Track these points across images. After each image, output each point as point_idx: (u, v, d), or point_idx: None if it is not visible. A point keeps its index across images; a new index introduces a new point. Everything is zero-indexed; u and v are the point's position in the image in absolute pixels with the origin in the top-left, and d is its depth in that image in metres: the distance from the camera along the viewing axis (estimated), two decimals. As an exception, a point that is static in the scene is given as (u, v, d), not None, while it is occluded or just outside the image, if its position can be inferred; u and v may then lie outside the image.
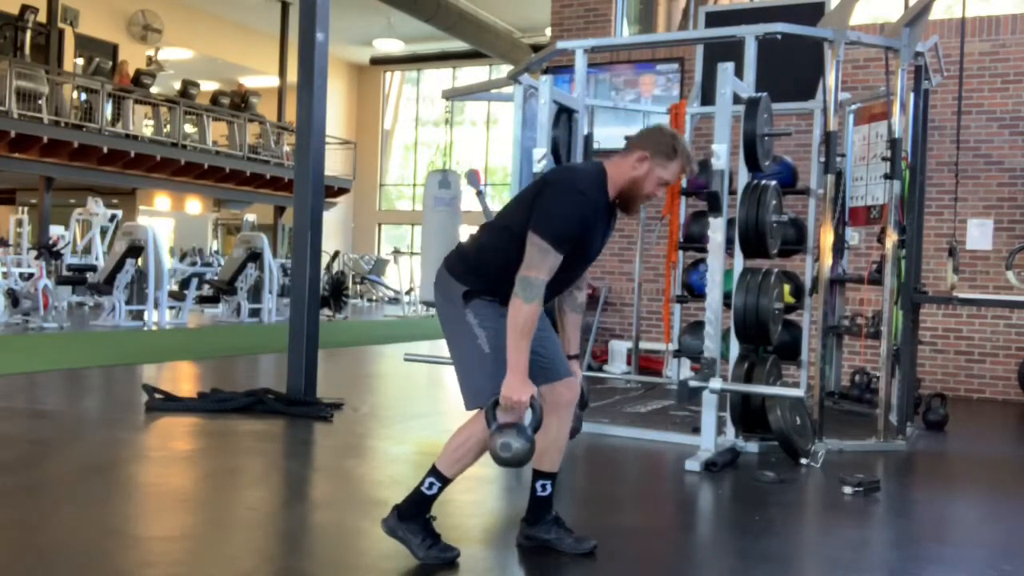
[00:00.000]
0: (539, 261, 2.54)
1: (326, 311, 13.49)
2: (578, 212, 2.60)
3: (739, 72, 4.58)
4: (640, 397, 6.43)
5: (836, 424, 5.34)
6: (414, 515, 2.73)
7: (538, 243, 2.54)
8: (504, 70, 16.59)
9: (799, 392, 4.38)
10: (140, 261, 11.20)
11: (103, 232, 15.00)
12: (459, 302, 2.68)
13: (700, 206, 5.80)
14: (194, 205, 21.06)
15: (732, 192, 4.75)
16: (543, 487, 2.88)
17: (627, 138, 2.78)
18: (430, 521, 2.75)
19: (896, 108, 4.94)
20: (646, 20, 9.36)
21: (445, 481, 2.72)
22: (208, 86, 19.76)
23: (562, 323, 2.99)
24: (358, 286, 20.07)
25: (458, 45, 20.83)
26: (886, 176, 4.99)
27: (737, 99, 4.58)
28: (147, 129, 16.43)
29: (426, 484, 2.72)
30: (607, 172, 2.71)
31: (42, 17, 16.05)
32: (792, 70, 5.76)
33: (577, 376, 2.93)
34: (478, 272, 2.69)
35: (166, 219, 20.31)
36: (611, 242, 8.57)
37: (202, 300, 13.18)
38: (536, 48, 17.97)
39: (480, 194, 7.01)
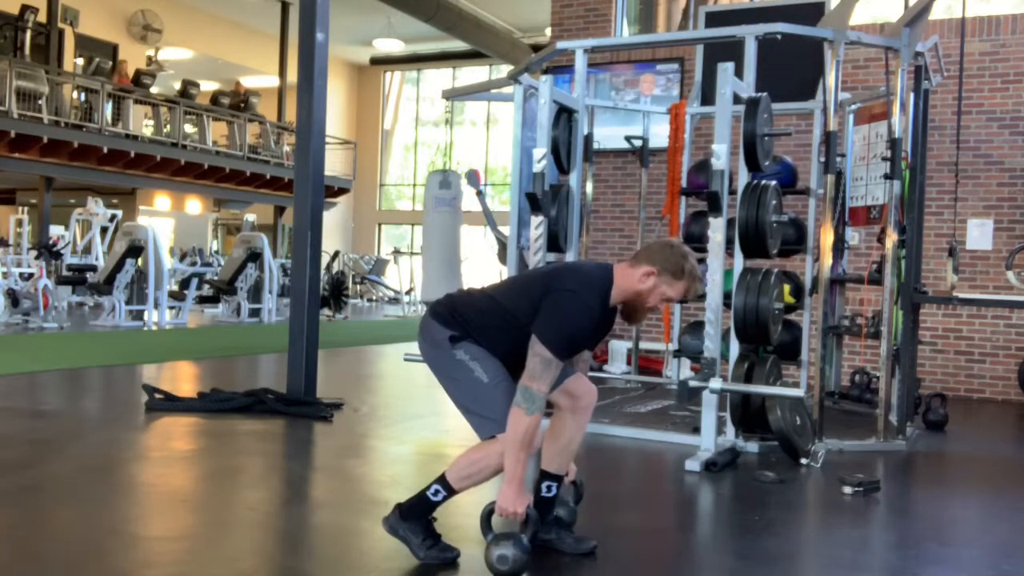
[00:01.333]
0: (542, 373, 2.54)
1: (326, 311, 13.49)
2: (585, 323, 2.63)
3: (739, 72, 4.59)
4: (640, 397, 6.43)
5: (836, 424, 5.34)
6: (416, 516, 2.73)
7: (542, 354, 2.54)
8: (504, 70, 16.59)
9: (799, 392, 4.38)
10: (140, 261, 11.20)
11: (103, 232, 15.00)
12: (446, 345, 2.68)
13: (700, 206, 5.80)
14: (194, 205, 21.06)
15: (732, 192, 4.75)
16: (548, 488, 2.88)
17: (636, 255, 2.75)
18: (431, 521, 2.75)
19: (896, 108, 4.94)
20: (646, 20, 9.36)
21: (451, 492, 2.71)
22: (208, 86, 19.76)
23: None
24: (358, 286, 20.07)
25: (458, 45, 20.83)
26: (886, 176, 4.99)
27: (737, 99, 4.58)
28: (147, 129, 16.43)
29: (432, 490, 2.71)
30: (614, 280, 2.71)
31: (42, 17, 16.05)
32: (792, 70, 5.76)
33: (571, 472, 2.98)
34: (469, 327, 2.69)
35: (166, 219, 20.31)
36: (611, 242, 8.60)
37: (202, 300, 13.18)
38: (536, 48, 17.97)
39: (480, 194, 7.01)
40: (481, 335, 2.67)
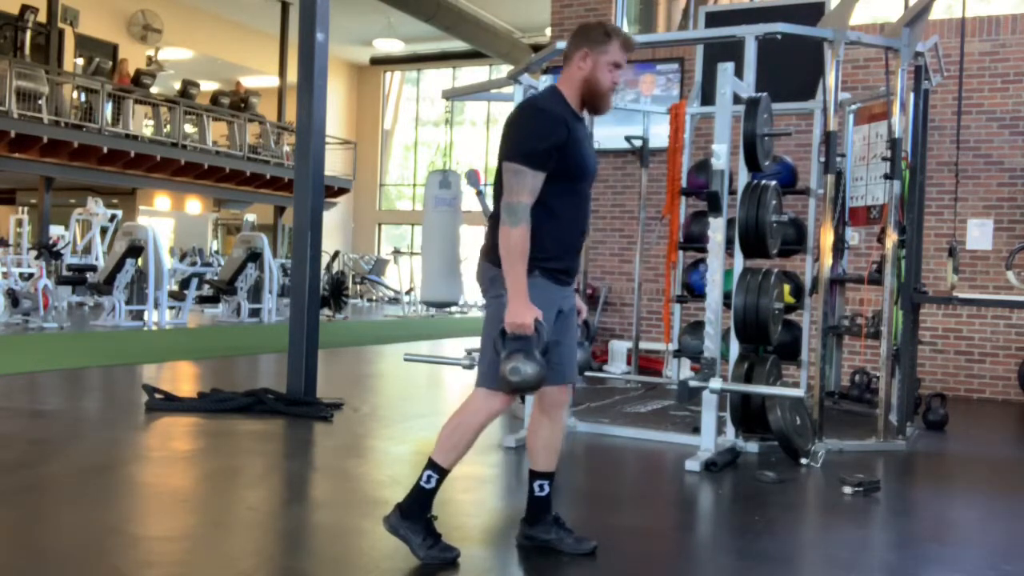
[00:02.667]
0: (517, 184, 2.58)
1: (326, 311, 13.49)
2: (541, 125, 2.64)
3: (739, 72, 4.58)
4: (640, 397, 6.43)
5: (836, 424, 5.34)
6: (416, 513, 2.73)
7: (512, 168, 2.59)
8: (504, 70, 16.60)
9: (799, 392, 4.38)
10: (140, 261, 11.21)
11: (103, 232, 15.00)
12: (500, 280, 2.67)
13: (700, 206, 5.80)
14: (194, 205, 21.07)
15: (732, 192, 4.74)
16: (540, 487, 2.89)
17: (563, 55, 2.82)
18: (431, 521, 2.75)
19: (896, 108, 4.94)
20: (646, 20, 9.36)
21: (442, 472, 2.72)
22: (208, 86, 19.76)
23: None
24: (358, 286, 20.07)
25: (458, 45, 20.84)
26: (886, 176, 4.99)
27: (737, 99, 4.58)
28: (147, 129, 16.44)
29: (424, 478, 2.72)
30: (560, 88, 2.76)
31: (42, 17, 16.05)
32: (792, 70, 5.76)
33: (583, 311, 2.99)
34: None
35: (166, 219, 20.31)
36: (611, 242, 8.60)
37: (202, 300, 13.18)
38: (536, 48, 17.96)
39: (480, 194, 7.01)
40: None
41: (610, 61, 2.73)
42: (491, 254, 2.72)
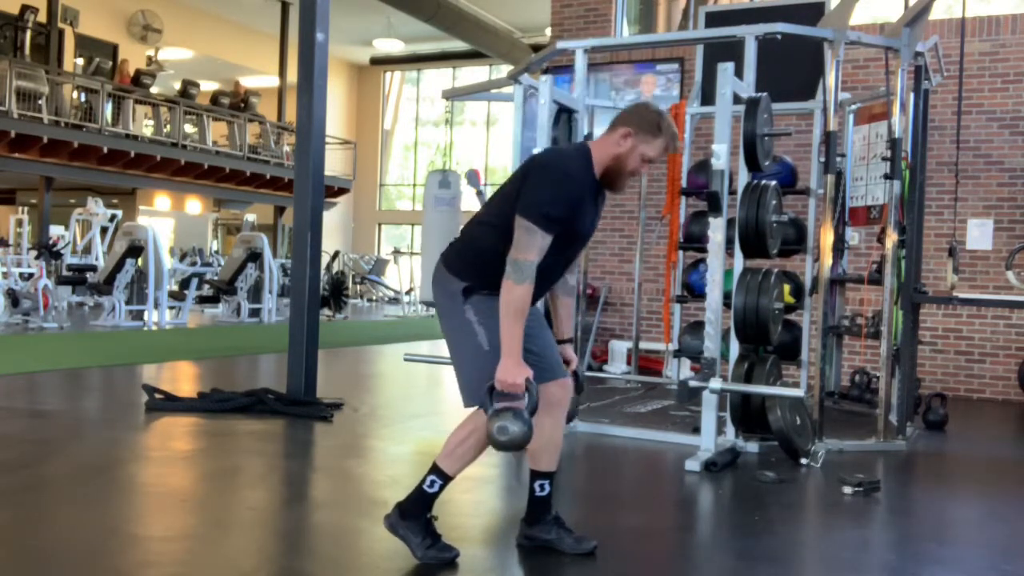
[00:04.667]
0: (527, 243, 2.54)
1: (326, 311, 13.49)
2: (564, 192, 2.60)
3: (739, 72, 4.58)
4: (640, 397, 6.43)
5: (836, 424, 5.34)
6: (416, 513, 2.73)
7: (525, 225, 2.55)
8: (504, 70, 16.59)
9: (799, 392, 4.38)
10: (140, 261, 11.20)
11: (103, 232, 15.00)
12: (459, 298, 2.67)
13: (700, 206, 5.80)
14: (194, 205, 21.06)
15: (732, 192, 4.75)
16: (541, 487, 2.88)
17: (612, 121, 2.77)
18: (431, 521, 2.74)
19: (896, 108, 4.94)
20: (646, 20, 9.36)
21: (446, 479, 2.72)
22: (208, 86, 19.76)
23: (554, 307, 2.99)
24: (358, 286, 20.06)
25: (458, 45, 20.83)
26: (886, 176, 4.99)
27: (737, 99, 4.58)
28: (147, 129, 16.43)
29: (427, 482, 2.72)
30: (591, 151, 2.72)
31: (42, 17, 16.05)
32: (792, 70, 5.76)
33: (572, 361, 2.93)
34: (474, 267, 2.69)
35: (166, 219, 20.31)
36: (611, 242, 8.60)
37: (202, 300, 13.18)
38: (536, 48, 17.96)
39: (480, 194, 7.01)
40: (487, 272, 2.64)
41: (646, 154, 2.70)
42: (456, 265, 2.70)
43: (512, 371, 2.53)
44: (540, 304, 2.94)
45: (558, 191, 2.59)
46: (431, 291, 2.82)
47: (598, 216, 2.81)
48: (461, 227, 2.88)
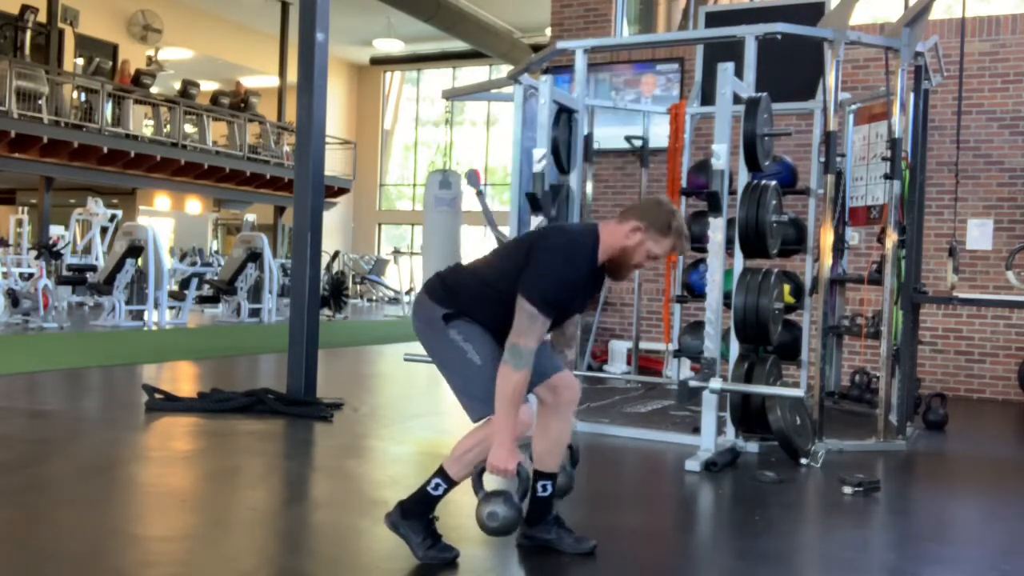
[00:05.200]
0: (528, 329, 2.53)
1: (326, 311, 13.49)
2: (569, 278, 2.62)
3: (739, 72, 4.58)
4: (640, 397, 6.43)
5: (836, 424, 5.34)
6: (418, 514, 2.73)
7: (528, 310, 2.53)
8: (504, 70, 16.59)
9: (799, 392, 4.38)
10: (140, 261, 11.20)
11: (103, 232, 15.00)
12: (440, 324, 2.68)
13: (700, 206, 5.79)
14: (194, 205, 21.06)
15: (732, 192, 4.74)
16: (544, 487, 2.88)
17: (624, 211, 2.75)
18: (432, 521, 2.75)
19: (896, 108, 4.94)
20: (646, 20, 9.36)
21: (451, 483, 2.72)
22: (208, 86, 19.76)
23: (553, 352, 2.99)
24: (358, 286, 20.06)
25: (458, 45, 20.83)
26: (886, 176, 4.99)
27: (737, 99, 4.58)
28: (147, 129, 16.43)
29: (432, 484, 2.72)
30: (600, 236, 2.70)
31: (42, 17, 16.04)
32: (792, 70, 5.76)
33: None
34: (461, 304, 2.69)
35: (166, 219, 20.31)
36: (611, 242, 8.58)
37: (202, 300, 13.18)
38: (536, 48, 17.96)
39: (480, 194, 7.00)
40: (473, 308, 2.67)
41: (652, 251, 2.70)
42: (440, 295, 2.70)
43: (504, 457, 2.54)
44: None
45: (563, 276, 2.60)
46: (412, 319, 2.81)
47: (591, 297, 2.82)
48: (450, 265, 2.86)
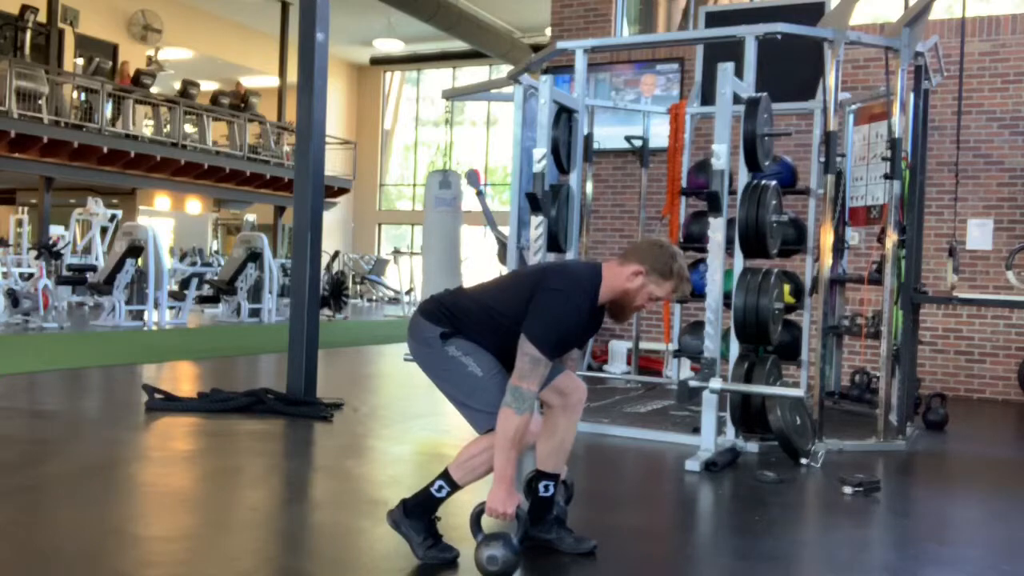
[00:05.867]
0: (531, 372, 2.53)
1: (326, 311, 13.49)
2: (572, 323, 2.63)
3: (739, 72, 4.58)
4: (640, 397, 6.43)
5: (836, 424, 5.34)
6: (420, 513, 2.73)
7: (532, 353, 2.53)
8: (504, 70, 16.58)
9: (799, 392, 4.38)
10: (140, 261, 11.20)
11: (103, 232, 15.00)
12: (437, 343, 2.69)
13: (700, 206, 5.80)
14: (194, 205, 21.06)
15: (732, 192, 4.74)
16: (546, 488, 2.88)
17: (625, 253, 2.73)
18: (434, 521, 2.75)
19: (896, 108, 4.94)
20: (646, 20, 9.36)
21: (455, 487, 2.71)
22: (208, 86, 19.75)
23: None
24: (358, 286, 20.06)
25: (458, 45, 20.82)
26: (886, 176, 4.99)
27: (737, 99, 4.58)
28: (147, 129, 16.43)
29: (436, 486, 2.72)
30: (603, 279, 2.70)
31: (42, 17, 16.04)
32: (792, 70, 5.76)
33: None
34: (461, 327, 2.70)
35: (166, 219, 20.31)
36: (611, 242, 8.60)
37: (202, 300, 13.17)
38: (536, 48, 17.96)
39: (480, 194, 7.01)
40: (471, 332, 2.68)
41: (654, 294, 2.70)
42: (437, 316, 2.71)
43: (503, 500, 2.56)
44: None
45: (567, 320, 2.61)
46: (408, 341, 2.82)
47: (593, 333, 2.83)
48: (448, 290, 2.85)
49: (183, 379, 6.78)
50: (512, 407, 2.52)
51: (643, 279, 2.68)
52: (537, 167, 4.93)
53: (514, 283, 2.76)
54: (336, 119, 23.03)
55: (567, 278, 2.69)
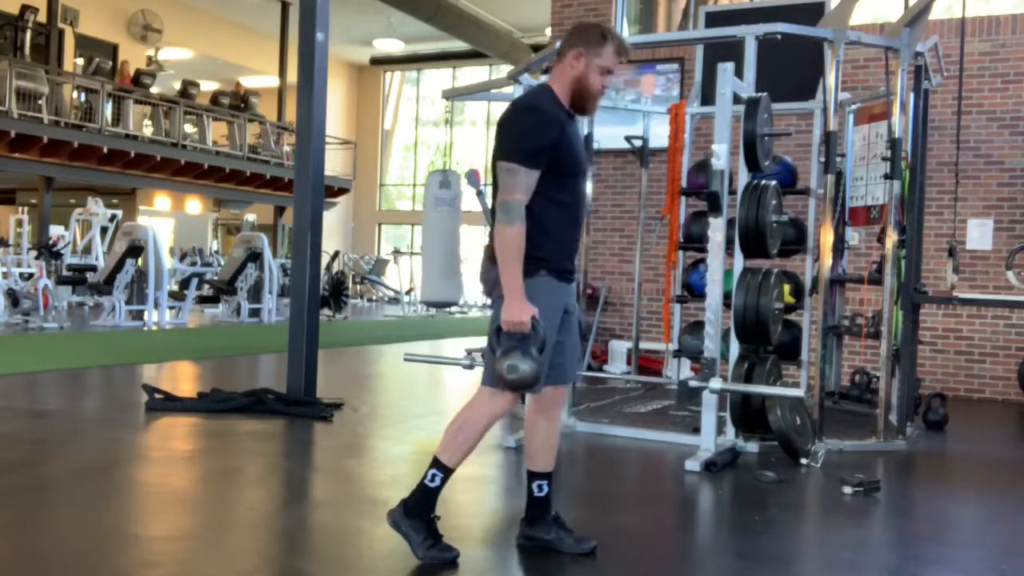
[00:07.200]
0: (511, 184, 2.59)
1: (326, 311, 13.49)
2: (536, 126, 2.64)
3: (739, 72, 4.58)
4: (640, 397, 6.43)
5: (836, 424, 5.34)
6: (419, 511, 2.73)
7: (506, 167, 2.60)
8: (504, 70, 16.58)
9: (799, 392, 4.38)
10: (140, 261, 11.20)
11: (103, 232, 15.00)
12: (499, 286, 2.67)
13: (700, 206, 5.80)
14: (194, 205, 21.07)
15: (732, 192, 4.74)
16: (539, 487, 2.89)
17: (557, 52, 2.80)
18: (434, 521, 2.75)
19: (896, 108, 4.94)
20: (646, 20, 9.36)
21: (447, 471, 2.72)
22: (208, 86, 19.76)
23: None
24: (358, 286, 20.06)
25: (458, 45, 20.83)
26: (886, 176, 4.99)
27: (737, 99, 4.58)
28: (147, 129, 16.44)
29: (429, 476, 2.72)
30: (552, 87, 2.76)
31: (42, 17, 16.05)
32: (792, 70, 5.76)
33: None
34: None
35: (166, 219, 20.32)
36: (611, 242, 8.60)
37: (202, 300, 13.18)
38: (536, 48, 17.96)
39: (480, 194, 7.00)
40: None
41: (602, 65, 2.73)
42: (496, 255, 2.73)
43: (517, 311, 2.56)
44: (577, 314, 2.93)
45: (528, 124, 2.65)
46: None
47: (585, 147, 2.85)
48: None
49: (183, 379, 6.78)
50: (503, 221, 2.58)
51: (585, 58, 2.72)
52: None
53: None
54: (336, 119, 23.04)
55: (514, 101, 2.81)
